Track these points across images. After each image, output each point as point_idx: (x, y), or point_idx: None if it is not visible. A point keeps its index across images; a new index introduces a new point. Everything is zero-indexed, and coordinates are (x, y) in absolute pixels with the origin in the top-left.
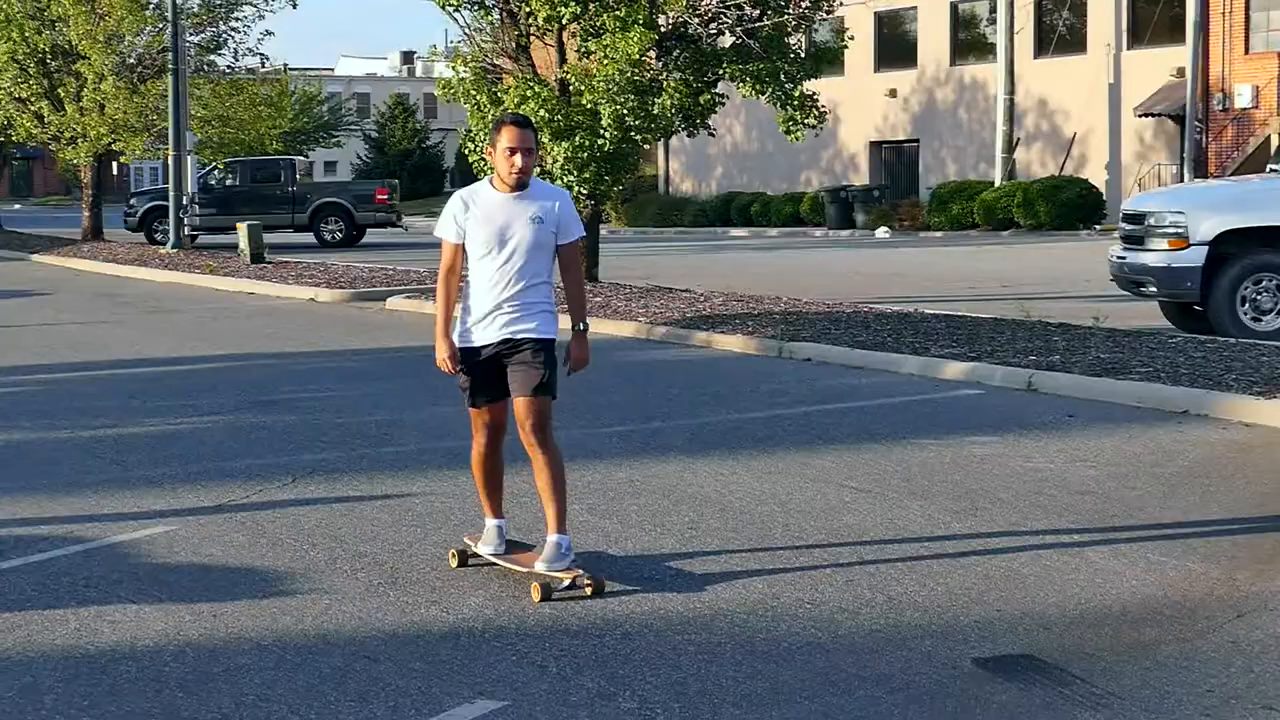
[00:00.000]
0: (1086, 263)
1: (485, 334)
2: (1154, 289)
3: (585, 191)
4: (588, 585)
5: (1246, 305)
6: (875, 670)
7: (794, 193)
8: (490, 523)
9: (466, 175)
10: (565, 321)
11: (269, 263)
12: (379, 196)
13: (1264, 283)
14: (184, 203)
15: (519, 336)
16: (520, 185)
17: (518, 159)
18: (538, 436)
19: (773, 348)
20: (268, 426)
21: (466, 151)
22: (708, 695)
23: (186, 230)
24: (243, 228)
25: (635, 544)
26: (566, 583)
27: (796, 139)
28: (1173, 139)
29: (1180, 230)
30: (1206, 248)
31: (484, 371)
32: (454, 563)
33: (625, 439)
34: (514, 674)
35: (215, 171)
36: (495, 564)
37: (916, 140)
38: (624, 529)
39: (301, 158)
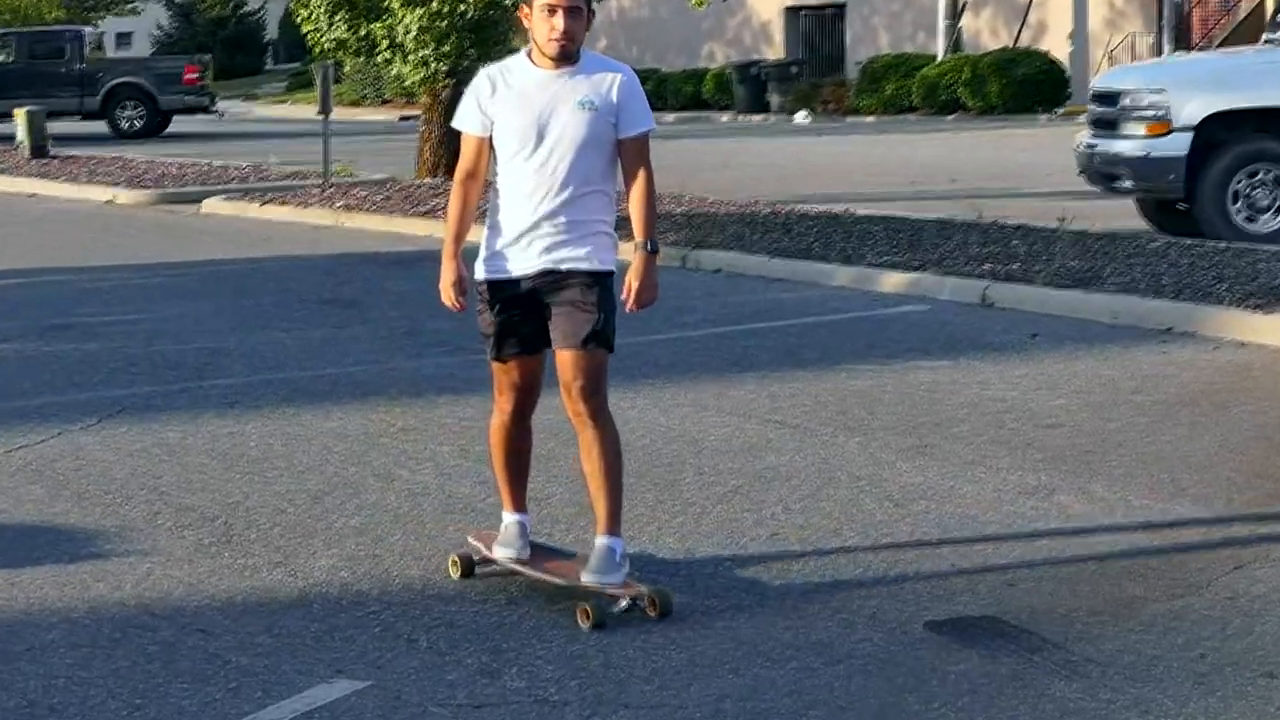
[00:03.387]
0: (1048, 152)
1: (519, 262)
2: (1130, 183)
3: (445, 69)
4: (652, 605)
5: (1239, 202)
6: (810, 637)
7: (694, 69)
8: (510, 519)
9: (294, 49)
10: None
11: (54, 157)
12: (187, 76)
13: (1260, 175)
14: None
15: (565, 267)
16: (566, 57)
17: (559, 20)
18: (589, 404)
19: (674, 257)
20: (64, 356)
21: (299, 20)
22: (612, 670)
23: None
24: (20, 114)
25: (531, 492)
26: (624, 603)
27: (698, 5)
28: (1149, 3)
29: (1160, 113)
30: (1191, 134)
31: (516, 312)
32: (456, 572)
33: None
34: (378, 649)
35: None
36: (518, 574)
37: (842, 5)
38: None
39: (90, 28)
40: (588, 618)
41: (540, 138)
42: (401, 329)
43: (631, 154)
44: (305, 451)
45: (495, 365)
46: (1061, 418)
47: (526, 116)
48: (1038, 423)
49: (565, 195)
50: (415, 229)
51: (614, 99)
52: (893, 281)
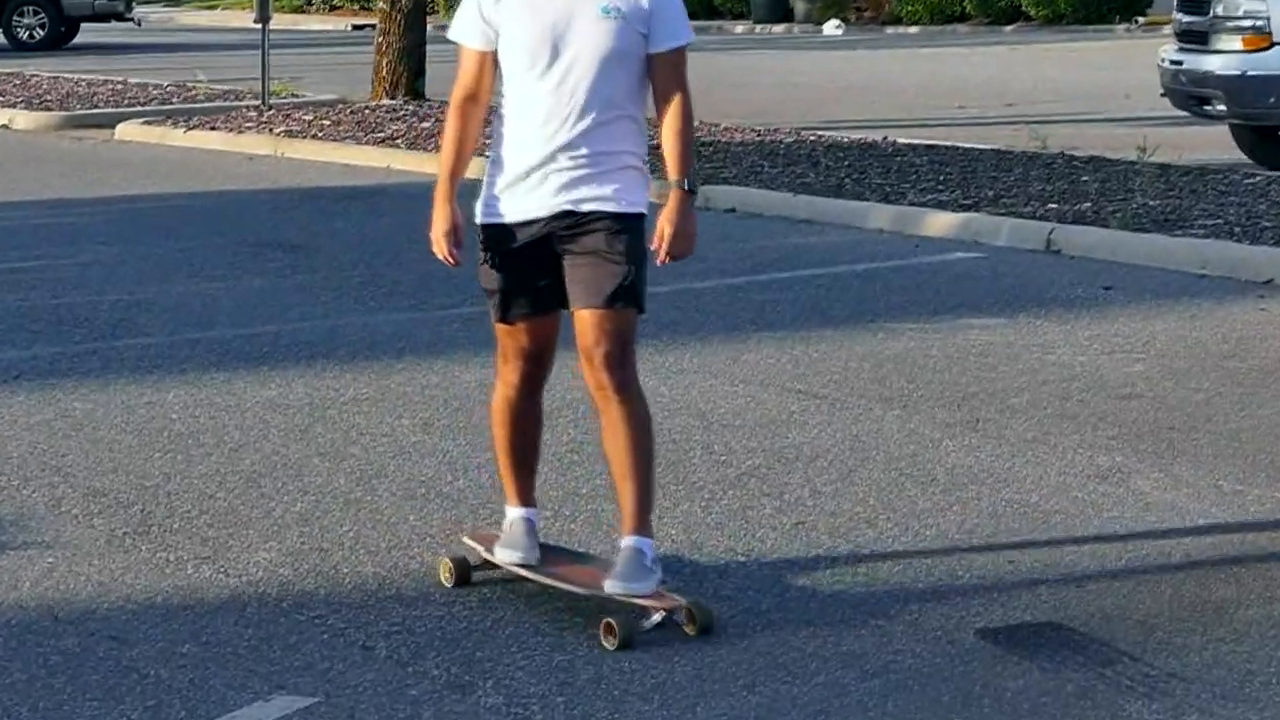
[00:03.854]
0: (1126, 70)
1: (529, 202)
2: (1222, 107)
3: None
4: (690, 622)
5: None
6: (840, 648)
7: None
8: (515, 514)
9: None
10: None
11: None
12: None
13: None
14: None
15: (586, 208)
16: None
17: None
18: (615, 375)
19: None
20: None
21: None
22: (605, 685)
23: None
24: None
25: (493, 473)
26: (656, 618)
27: None
28: None
29: (1259, 23)
30: None
31: (525, 264)
32: (448, 578)
33: (476, 325)
34: (326, 659)
35: None
36: (527, 579)
37: None
38: (474, 453)
39: None
40: (613, 636)
41: (555, 53)
42: (354, 279)
43: (665, 72)
44: (238, 425)
45: (500, 328)
46: (1139, 387)
47: (538, 27)
48: (1111, 393)
49: (586, 122)
50: (369, 159)
51: (644, 5)
52: (940, 224)
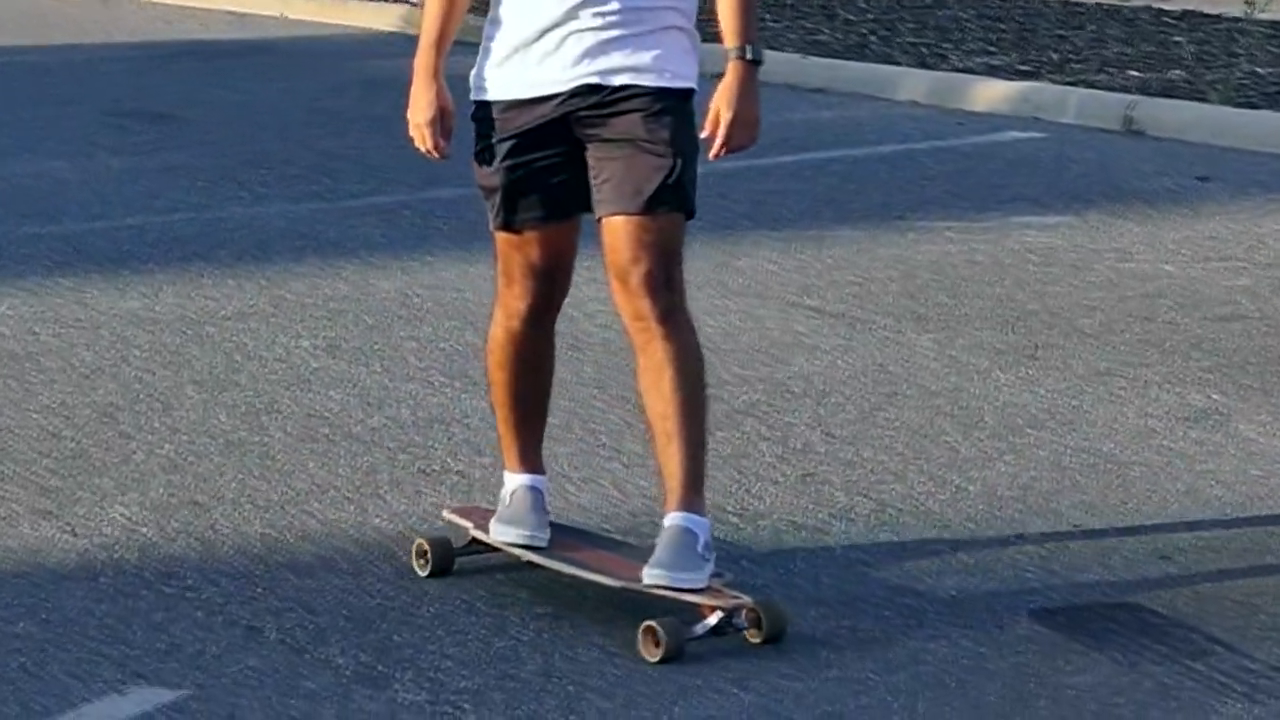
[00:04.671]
0: None
1: (542, 73)
2: None
3: None
4: (755, 626)
5: None
6: (859, 633)
7: None
8: (517, 482)
9: None
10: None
11: None
12: None
13: None
14: None
15: (618, 81)
16: None
17: None
18: (657, 301)
19: None
20: None
21: None
22: (555, 679)
23: None
24: None
25: (433, 409)
26: (712, 620)
27: None
28: None
29: None
30: None
31: (535, 154)
32: (422, 566)
33: (396, 219)
34: (200, 641)
35: None
36: (537, 565)
37: None
38: (393, 382)
39: None
40: (655, 645)
41: None
42: (238, 159)
43: None
44: (90, 345)
45: (502, 239)
46: (1243, 305)
47: None
48: (1207, 313)
49: None
50: (261, 5)
51: None
52: (990, 94)
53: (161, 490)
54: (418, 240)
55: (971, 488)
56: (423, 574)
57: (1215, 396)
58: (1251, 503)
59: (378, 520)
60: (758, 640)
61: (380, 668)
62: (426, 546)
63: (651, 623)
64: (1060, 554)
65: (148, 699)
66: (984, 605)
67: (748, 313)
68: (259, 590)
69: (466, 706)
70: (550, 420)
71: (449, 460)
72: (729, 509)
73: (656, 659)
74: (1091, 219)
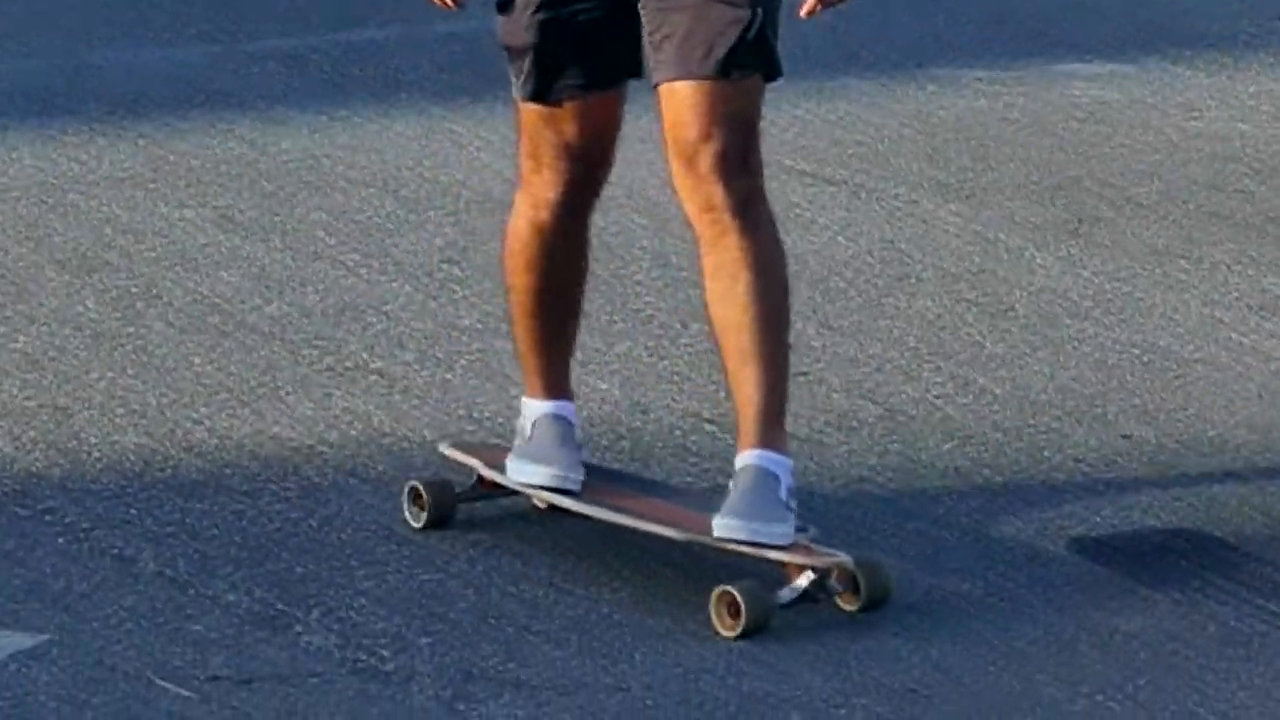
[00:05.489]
0: None
1: None
2: None
3: None
4: (851, 591)
5: None
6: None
7: None
8: (540, 410)
9: None
10: None
11: None
12: None
13: None
14: None
15: None
16: None
17: None
18: (732, 187)
19: None
20: None
21: None
22: (491, 623)
23: None
24: None
25: (346, 295)
26: (802, 582)
27: None
28: None
29: None
30: None
31: (575, 6)
32: (417, 515)
33: (305, 66)
34: (63, 575)
35: None
36: (573, 512)
37: None
38: (300, 263)
39: None
40: (734, 615)
41: None
42: None
43: None
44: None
45: (531, 113)
46: None
47: None
48: None
49: None
50: None
51: None
52: None
53: (16, 391)
54: (330, 92)
55: (999, 390)
56: (417, 525)
57: None
58: None
59: (278, 428)
60: (853, 608)
61: (280, 606)
62: (422, 490)
63: (729, 588)
64: (1107, 471)
65: (1, 646)
66: (1013, 533)
67: None
68: (133, 513)
69: (384, 653)
70: (488, 310)
71: (365, 356)
72: (705, 414)
73: (736, 633)
74: (1151, 68)
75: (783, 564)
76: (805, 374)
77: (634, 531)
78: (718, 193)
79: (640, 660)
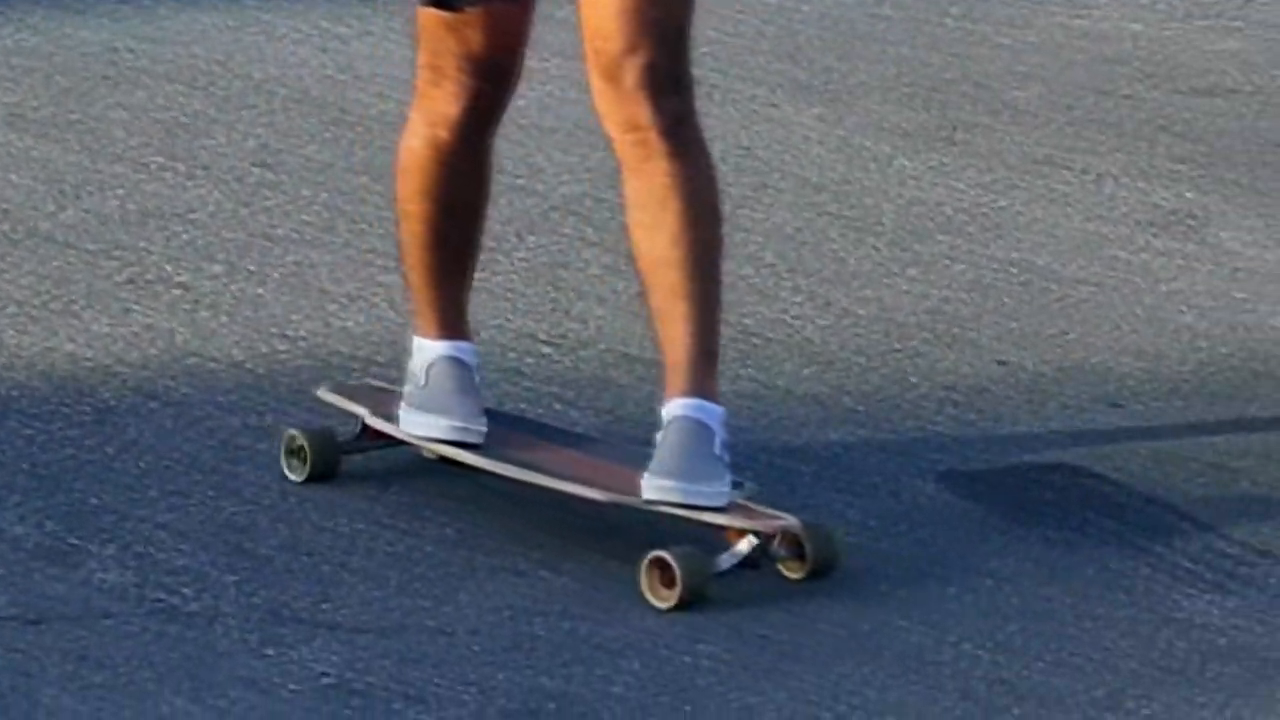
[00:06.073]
0: None
1: None
2: None
3: None
4: (797, 559)
5: None
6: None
7: None
8: (434, 351)
9: None
10: None
11: None
12: None
13: None
14: None
15: None
16: None
17: None
18: (663, 104)
19: None
20: None
21: None
22: (301, 558)
23: None
24: None
25: (148, 201)
26: (743, 547)
27: None
28: None
29: None
30: None
31: None
32: (297, 467)
33: None
34: None
35: None
36: (468, 469)
37: None
38: (97, 164)
39: None
40: (669, 586)
41: None
42: None
43: None
44: None
45: (430, 19)
46: (1230, 76)
47: None
48: (1182, 85)
49: None
50: None
51: None
52: None
53: None
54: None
55: (863, 311)
56: (297, 478)
57: (1189, 195)
58: (1232, 334)
59: (71, 346)
60: (799, 575)
61: (72, 540)
62: (302, 441)
63: (663, 554)
64: (979, 399)
65: None
66: (876, 466)
67: (572, 79)
68: None
69: (186, 592)
70: (305, 219)
71: (168, 268)
72: (541, 335)
73: (670, 604)
74: None
75: (723, 528)
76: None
77: (545, 490)
78: (645, 111)
79: (466, 601)
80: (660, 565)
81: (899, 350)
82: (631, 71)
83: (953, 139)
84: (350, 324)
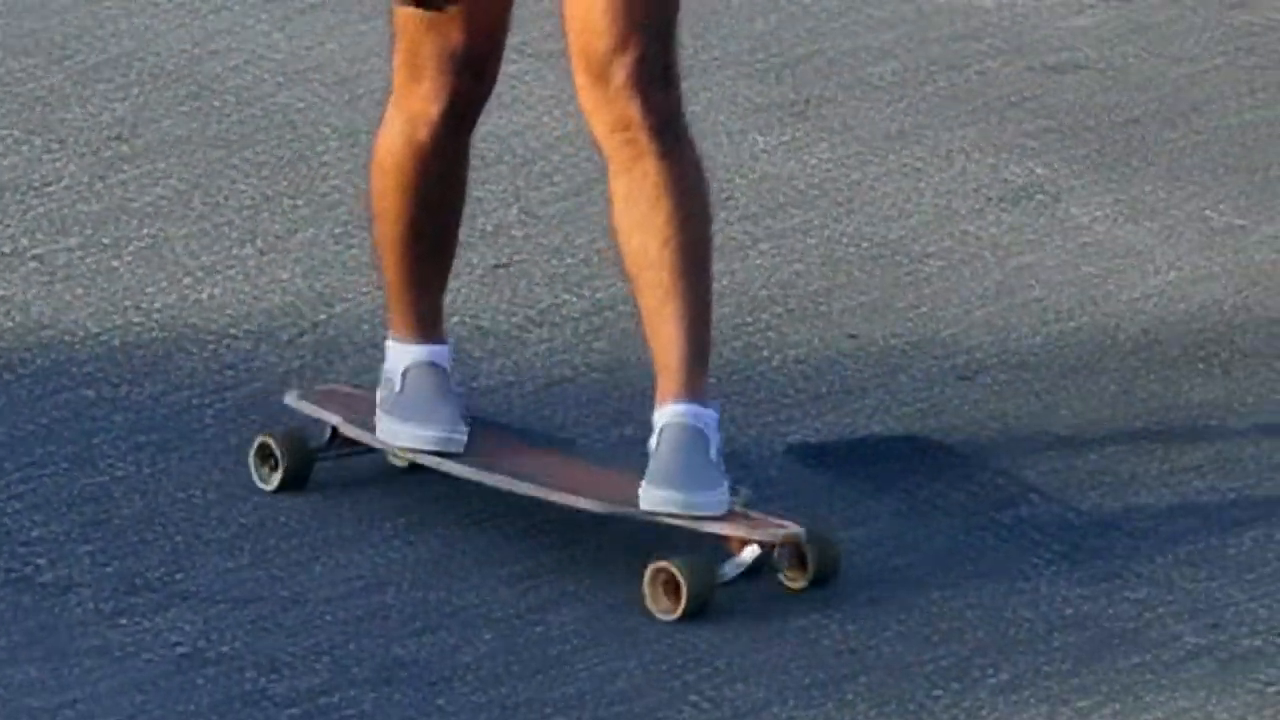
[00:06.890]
0: None
1: None
2: None
3: None
4: (797, 566)
5: None
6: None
7: None
8: (410, 356)
9: None
10: None
11: None
12: None
13: None
14: None
15: None
16: None
17: None
18: (653, 102)
19: None
20: None
21: None
22: (155, 528)
23: None
24: None
25: (2, 172)
26: (747, 556)
27: None
28: None
29: None
30: None
31: None
32: (267, 474)
33: None
34: None
35: None
36: (449, 476)
37: None
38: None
39: None
40: (674, 598)
41: None
42: None
43: None
44: None
45: (408, 18)
46: (1082, 52)
47: None
48: (1033, 61)
49: None
50: None
51: None
52: None
53: None
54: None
55: (716, 284)
56: (268, 486)
57: (1039, 170)
58: (1082, 308)
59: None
60: (800, 584)
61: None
62: (274, 446)
63: (666, 564)
64: (829, 370)
65: None
66: (728, 438)
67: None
68: None
69: (40, 562)
70: (161, 192)
71: (23, 240)
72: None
73: (675, 615)
74: None
75: (724, 534)
76: (505, 266)
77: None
78: (635, 110)
79: (320, 572)
80: (665, 576)
81: (751, 323)
82: (621, 68)
83: (805, 114)
84: (205, 296)
